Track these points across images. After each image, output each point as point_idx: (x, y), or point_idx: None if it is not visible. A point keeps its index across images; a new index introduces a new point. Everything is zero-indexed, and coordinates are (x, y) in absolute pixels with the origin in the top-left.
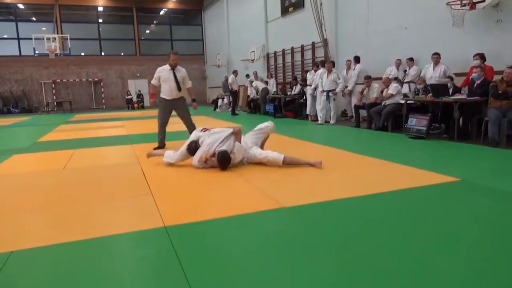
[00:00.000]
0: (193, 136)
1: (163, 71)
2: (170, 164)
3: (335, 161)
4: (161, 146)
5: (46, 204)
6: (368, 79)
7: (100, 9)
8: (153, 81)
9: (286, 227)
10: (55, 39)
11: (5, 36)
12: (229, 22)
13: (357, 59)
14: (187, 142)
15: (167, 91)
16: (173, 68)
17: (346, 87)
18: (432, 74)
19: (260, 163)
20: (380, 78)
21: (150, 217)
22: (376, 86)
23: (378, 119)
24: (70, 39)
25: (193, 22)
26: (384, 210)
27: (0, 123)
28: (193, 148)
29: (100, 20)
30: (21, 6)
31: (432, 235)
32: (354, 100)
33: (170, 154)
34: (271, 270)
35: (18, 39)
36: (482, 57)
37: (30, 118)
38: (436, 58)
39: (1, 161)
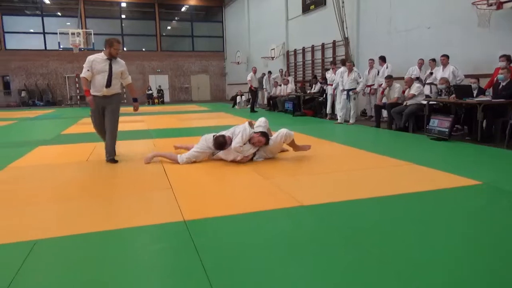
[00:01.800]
0: (205, 138)
1: (97, 61)
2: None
3: (355, 160)
4: (112, 155)
5: (69, 195)
6: (389, 78)
7: (123, 5)
8: (85, 74)
9: (305, 225)
10: (79, 34)
11: (31, 30)
12: (249, 19)
13: (383, 59)
14: (205, 139)
15: (99, 86)
16: (110, 58)
17: (368, 86)
18: (442, 75)
19: (272, 157)
20: (402, 78)
21: (170, 211)
22: (397, 86)
23: (399, 119)
24: (94, 34)
25: (214, 19)
26: (404, 211)
27: (26, 115)
28: (221, 142)
29: (123, 16)
30: (47, 1)
31: (452, 238)
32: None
33: (186, 155)
34: (287, 267)
35: (44, 33)
36: (508, 58)
37: (54, 111)
38: (444, 59)
39: (26, 152)
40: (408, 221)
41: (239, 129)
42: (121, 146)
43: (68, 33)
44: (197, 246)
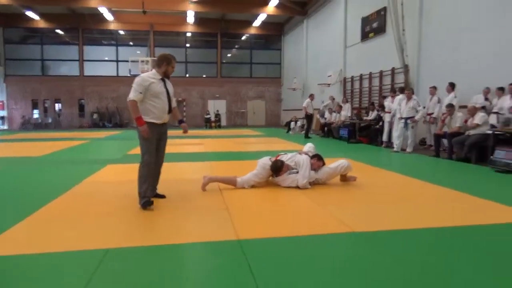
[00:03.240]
0: (263, 164)
1: (154, 82)
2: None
3: (411, 190)
4: (150, 199)
5: (133, 210)
6: (451, 107)
7: (189, 34)
8: (136, 96)
9: (355, 251)
10: (148, 61)
11: (106, 58)
12: (307, 47)
13: (452, 86)
14: (262, 165)
15: (159, 112)
16: (164, 78)
17: (428, 114)
18: (510, 105)
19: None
20: (464, 107)
21: (225, 229)
22: (459, 114)
23: (460, 149)
24: None
25: (273, 47)
26: (461, 244)
27: (97, 135)
28: (279, 167)
29: (188, 45)
30: (121, 32)
31: (504, 276)
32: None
33: (246, 179)
34: None
35: (117, 61)
36: None
37: (121, 132)
38: None
39: (98, 169)
40: (464, 253)
41: (300, 161)
42: (182, 167)
43: (138, 61)
44: (250, 264)
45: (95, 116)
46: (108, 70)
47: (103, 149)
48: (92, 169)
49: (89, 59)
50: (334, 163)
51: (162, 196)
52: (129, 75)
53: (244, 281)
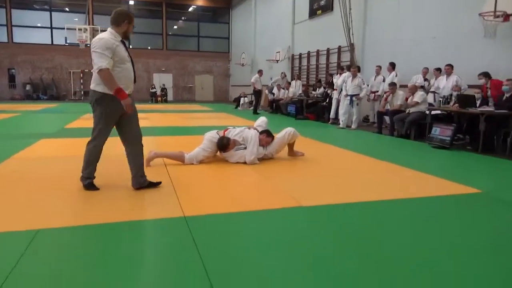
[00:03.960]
0: (211, 137)
1: (117, 44)
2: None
3: (355, 165)
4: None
5: (71, 187)
6: (393, 86)
7: (131, 3)
8: (108, 63)
9: (302, 225)
10: (87, 30)
11: (39, 24)
12: (256, 22)
13: (392, 65)
14: (210, 138)
15: (127, 80)
16: (123, 41)
17: (373, 92)
18: (445, 85)
19: (271, 157)
20: (405, 86)
21: (170, 206)
22: (400, 93)
23: (401, 126)
24: (101, 30)
25: (221, 20)
26: (400, 216)
27: (30, 108)
28: (224, 144)
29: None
30: None
31: (447, 244)
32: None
33: (194, 154)
34: (281, 266)
35: (51, 28)
36: (486, 75)
37: (58, 105)
38: (448, 69)
39: (30, 144)
40: (403, 226)
41: (248, 136)
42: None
43: (75, 29)
44: (196, 241)
45: (28, 87)
46: (41, 37)
47: (36, 123)
48: (23, 144)
49: (19, 24)
50: (281, 133)
51: (158, 183)
52: (65, 43)
53: (190, 259)
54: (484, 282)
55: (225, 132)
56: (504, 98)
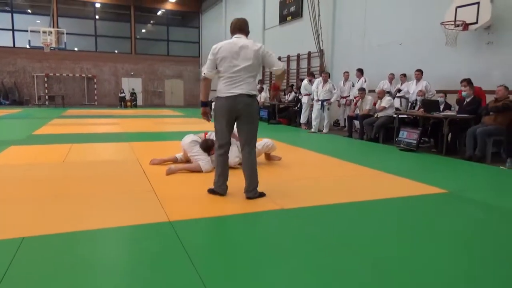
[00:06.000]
0: (192, 140)
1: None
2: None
3: (328, 168)
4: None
5: (48, 195)
6: (362, 91)
7: (98, 5)
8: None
9: (285, 227)
10: (51, 32)
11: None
12: (226, 27)
13: (361, 72)
14: (193, 143)
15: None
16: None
17: (343, 97)
18: (415, 89)
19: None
20: (373, 91)
21: (154, 211)
22: (369, 98)
23: (370, 130)
24: (66, 33)
25: (190, 25)
26: (372, 217)
27: None
28: (209, 146)
29: (97, 17)
30: None
31: (418, 242)
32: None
33: (208, 161)
34: (270, 267)
35: (13, 30)
36: (469, 82)
37: (22, 110)
38: (418, 74)
39: None
40: (375, 226)
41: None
42: (98, 148)
43: (39, 31)
44: (184, 245)
45: None
46: (2, 40)
47: (1, 130)
48: None
49: None
50: (259, 143)
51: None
52: (28, 46)
53: (180, 263)
54: (460, 274)
55: (206, 135)
56: (465, 103)
